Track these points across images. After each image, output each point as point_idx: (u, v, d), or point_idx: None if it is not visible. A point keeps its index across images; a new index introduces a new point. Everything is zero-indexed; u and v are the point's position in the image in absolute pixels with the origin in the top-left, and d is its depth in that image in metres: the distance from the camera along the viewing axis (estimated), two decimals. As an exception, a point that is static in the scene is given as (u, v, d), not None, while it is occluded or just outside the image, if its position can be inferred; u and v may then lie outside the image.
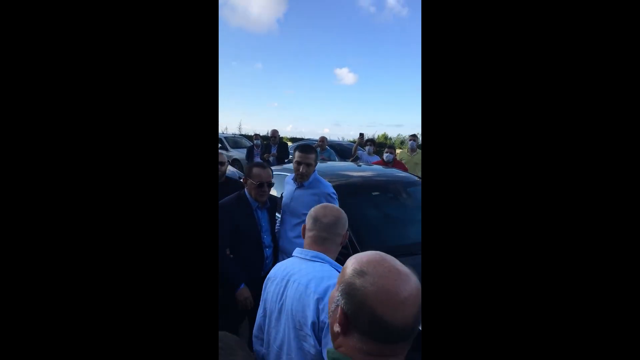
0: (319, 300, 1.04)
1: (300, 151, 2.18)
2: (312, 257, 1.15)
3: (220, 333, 0.76)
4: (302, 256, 1.18)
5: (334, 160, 5.73)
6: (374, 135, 19.85)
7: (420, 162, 5.12)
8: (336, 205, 1.84)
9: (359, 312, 0.65)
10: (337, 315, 0.68)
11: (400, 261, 0.71)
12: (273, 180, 2.13)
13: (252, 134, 7.48)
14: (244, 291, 1.94)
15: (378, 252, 0.73)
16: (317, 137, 7.00)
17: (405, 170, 4.12)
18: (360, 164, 4.25)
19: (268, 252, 2.12)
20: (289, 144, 8.63)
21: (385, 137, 20.09)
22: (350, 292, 0.67)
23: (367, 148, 5.26)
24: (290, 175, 2.35)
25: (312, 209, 1.23)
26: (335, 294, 0.71)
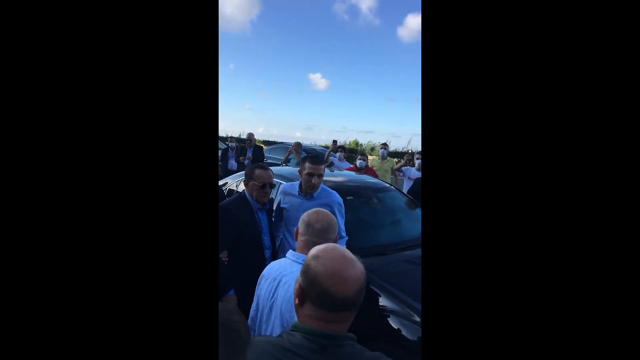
0: None
1: (312, 162, 2.18)
2: (304, 261, 1.26)
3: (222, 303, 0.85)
4: (295, 259, 1.25)
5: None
6: (345, 141, 20.24)
7: (389, 169, 5.41)
8: (343, 211, 1.92)
9: (311, 286, 0.82)
10: (297, 290, 0.86)
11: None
12: (274, 182, 2.17)
13: (224, 135, 7.40)
14: (230, 298, 1.89)
15: (333, 244, 0.91)
16: (288, 140, 7.05)
17: (376, 176, 4.34)
18: (334, 169, 4.42)
19: (267, 253, 2.13)
20: (263, 147, 8.66)
21: (356, 143, 20.47)
22: (306, 270, 0.84)
23: (338, 154, 5.48)
24: (285, 185, 2.36)
25: (305, 214, 1.31)
26: (298, 275, 0.87)
